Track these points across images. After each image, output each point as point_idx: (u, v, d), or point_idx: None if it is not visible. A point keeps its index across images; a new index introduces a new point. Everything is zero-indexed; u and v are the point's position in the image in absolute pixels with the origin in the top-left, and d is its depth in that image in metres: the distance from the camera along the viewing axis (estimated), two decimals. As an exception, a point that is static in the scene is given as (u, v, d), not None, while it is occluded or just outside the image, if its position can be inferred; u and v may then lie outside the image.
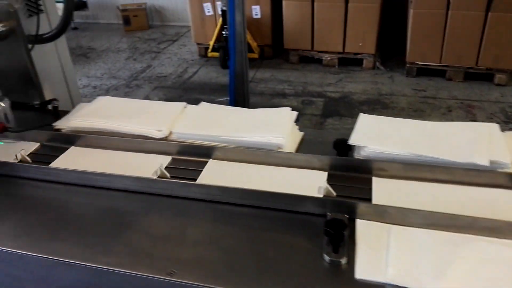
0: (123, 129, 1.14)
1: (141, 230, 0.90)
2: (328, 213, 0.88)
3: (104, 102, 1.29)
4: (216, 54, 4.96)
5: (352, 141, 1.06)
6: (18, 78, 1.35)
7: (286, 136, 1.08)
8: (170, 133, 1.13)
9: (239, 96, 2.43)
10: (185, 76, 4.80)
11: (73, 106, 2.18)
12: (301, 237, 0.86)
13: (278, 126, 1.11)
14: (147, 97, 4.32)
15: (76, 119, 1.18)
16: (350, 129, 1.17)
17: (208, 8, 4.94)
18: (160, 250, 0.84)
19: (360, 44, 4.46)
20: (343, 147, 1.07)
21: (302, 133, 1.18)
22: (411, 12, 4.05)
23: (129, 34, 6.23)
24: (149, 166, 1.03)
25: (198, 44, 5.23)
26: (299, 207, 0.91)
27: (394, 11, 4.69)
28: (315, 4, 4.43)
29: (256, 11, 4.79)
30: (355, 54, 4.57)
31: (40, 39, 1.49)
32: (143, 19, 6.29)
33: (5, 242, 0.87)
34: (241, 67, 2.31)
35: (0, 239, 0.88)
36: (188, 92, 4.41)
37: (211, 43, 4.97)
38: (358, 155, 1.05)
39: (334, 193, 0.92)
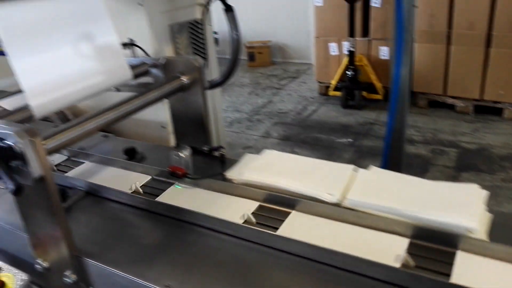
0: (293, 189, 1.13)
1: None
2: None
3: (272, 157, 1.31)
4: (337, 93, 4.93)
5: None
6: (193, 124, 1.44)
7: (478, 219, 0.96)
8: (343, 198, 1.09)
9: (394, 154, 2.30)
10: (305, 113, 4.83)
11: (219, 142, 2.30)
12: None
13: (467, 205, 1.00)
14: (267, 132, 4.43)
15: (249, 173, 1.21)
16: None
17: (333, 48, 4.96)
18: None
19: (502, 93, 4.06)
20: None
21: (490, 215, 1.04)
22: None
23: (252, 69, 6.52)
24: (320, 230, 1.01)
25: (320, 82, 5.26)
26: None
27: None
28: (452, 47, 4.17)
29: (384, 52, 4.67)
30: (494, 102, 4.17)
31: (211, 85, 1.59)
32: (267, 56, 6.55)
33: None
34: (400, 124, 2.20)
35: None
36: (308, 130, 4.42)
37: (333, 82, 4.96)
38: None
39: None
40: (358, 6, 4.54)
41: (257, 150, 4.12)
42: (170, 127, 1.90)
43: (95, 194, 1.30)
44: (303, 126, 4.52)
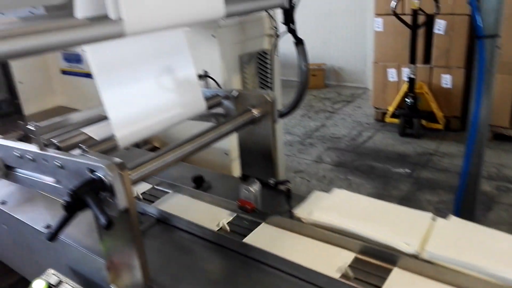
0: (366, 234, 1.10)
1: None
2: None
3: (342, 196, 1.29)
4: (395, 120, 4.80)
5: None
6: (260, 156, 1.45)
7: None
8: (421, 249, 1.04)
9: (469, 194, 2.19)
10: (359, 139, 4.74)
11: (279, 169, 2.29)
12: None
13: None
14: (319, 157, 4.38)
15: (319, 213, 1.19)
16: None
17: (392, 74, 4.86)
18: None
19: None
20: None
21: None
22: None
23: (306, 91, 6.52)
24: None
25: (376, 108, 5.15)
26: None
27: None
28: (521, 79, 3.96)
29: (446, 80, 4.52)
30: None
31: (280, 115, 1.60)
32: (321, 78, 6.53)
33: None
34: (476, 166, 2.11)
35: None
36: (362, 157, 4.32)
37: (391, 108, 4.85)
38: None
39: None
40: (421, 32, 4.43)
41: (308, 175, 4.08)
42: (233, 154, 1.93)
43: (165, 222, 1.33)
44: (358, 153, 4.43)
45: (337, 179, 3.93)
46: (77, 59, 2.30)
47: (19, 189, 1.58)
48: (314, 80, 6.50)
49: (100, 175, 0.92)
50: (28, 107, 2.44)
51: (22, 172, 1.22)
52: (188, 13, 1.05)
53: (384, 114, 5.03)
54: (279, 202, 1.36)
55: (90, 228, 1.10)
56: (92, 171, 0.94)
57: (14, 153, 1.13)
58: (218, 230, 1.24)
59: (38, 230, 1.36)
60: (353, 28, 6.26)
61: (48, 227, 1.34)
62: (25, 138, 1.95)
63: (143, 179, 1.06)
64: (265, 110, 1.39)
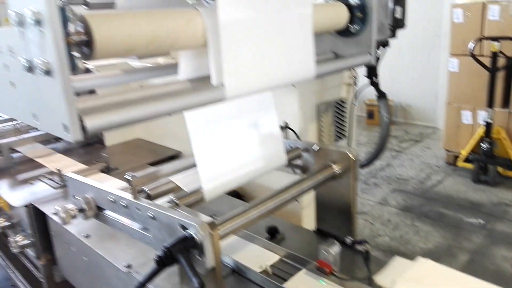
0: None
1: None
2: None
3: (428, 268, 1.22)
4: (468, 165, 4.55)
5: None
6: (337, 212, 1.43)
7: None
8: None
9: None
10: (428, 183, 4.53)
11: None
12: None
13: None
14: (384, 199, 4.23)
15: (403, 284, 1.14)
16: None
17: (466, 116, 4.64)
18: None
19: None
20: None
21: None
22: None
23: (370, 127, 6.39)
24: None
25: (447, 150, 4.92)
26: None
27: None
28: None
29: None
30: None
31: (359, 166, 1.58)
32: (388, 115, 6.38)
33: None
34: None
35: None
36: (431, 202, 4.11)
37: (464, 152, 4.60)
38: None
39: None
40: (500, 75, 4.21)
41: (372, 217, 3.94)
42: (304, 202, 1.92)
43: (239, 273, 1.33)
44: (426, 198, 4.23)
45: (403, 225, 3.76)
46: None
47: (103, 224, 1.67)
48: (380, 116, 6.35)
49: (192, 233, 0.95)
50: (110, 138, 2.60)
51: (111, 214, 1.29)
52: (283, 76, 1.08)
53: (456, 157, 4.79)
54: (356, 264, 1.32)
55: (168, 274, 1.12)
56: (183, 227, 0.97)
57: (109, 197, 1.20)
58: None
59: (118, 268, 1.41)
60: (423, 66, 6.10)
61: (128, 266, 1.39)
62: (107, 170, 2.09)
63: (229, 234, 1.07)
64: (346, 167, 1.37)
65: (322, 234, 1.51)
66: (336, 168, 1.38)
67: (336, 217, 1.46)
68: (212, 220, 0.97)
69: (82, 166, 2.05)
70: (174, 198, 1.12)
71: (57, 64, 0.70)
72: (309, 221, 1.81)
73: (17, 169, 2.21)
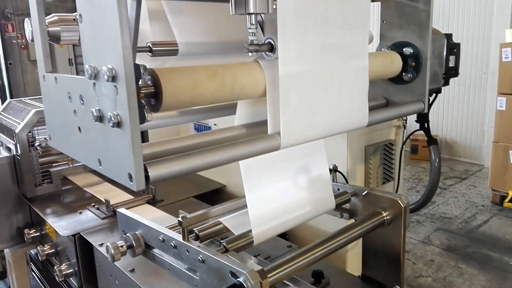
0: None
1: None
2: None
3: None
4: (516, 206, 4.32)
5: None
6: (385, 259, 1.39)
7: None
8: None
9: None
10: (473, 223, 4.32)
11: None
12: None
13: None
14: (427, 238, 4.06)
15: None
16: None
17: (516, 155, 4.44)
18: None
19: None
20: None
21: None
22: None
23: (414, 162, 6.22)
24: None
25: (494, 190, 4.70)
26: None
27: None
28: None
29: None
30: None
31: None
32: (431, 150, 6.20)
33: None
34: None
35: None
36: (476, 243, 3.91)
37: (511, 192, 4.38)
38: None
39: None
40: (552, 114, 4.04)
41: (414, 256, 3.78)
42: (349, 246, 1.87)
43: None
44: (471, 238, 4.03)
45: (446, 266, 3.59)
46: (207, 128, 2.46)
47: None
48: (424, 151, 6.18)
49: (241, 280, 0.95)
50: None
51: (159, 253, 1.30)
52: (337, 126, 1.08)
53: (503, 197, 4.57)
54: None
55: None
56: (233, 274, 0.97)
57: (159, 237, 1.22)
58: None
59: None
60: (470, 102, 5.95)
61: (172, 303, 1.40)
62: (153, 201, 2.12)
63: (277, 283, 1.06)
64: (396, 214, 1.34)
65: (368, 280, 1.47)
66: (385, 215, 1.34)
67: (383, 264, 1.41)
68: (262, 268, 0.96)
69: (129, 197, 2.10)
70: (224, 243, 1.13)
71: (128, 117, 0.73)
72: (354, 264, 1.76)
73: (67, 197, 2.29)
